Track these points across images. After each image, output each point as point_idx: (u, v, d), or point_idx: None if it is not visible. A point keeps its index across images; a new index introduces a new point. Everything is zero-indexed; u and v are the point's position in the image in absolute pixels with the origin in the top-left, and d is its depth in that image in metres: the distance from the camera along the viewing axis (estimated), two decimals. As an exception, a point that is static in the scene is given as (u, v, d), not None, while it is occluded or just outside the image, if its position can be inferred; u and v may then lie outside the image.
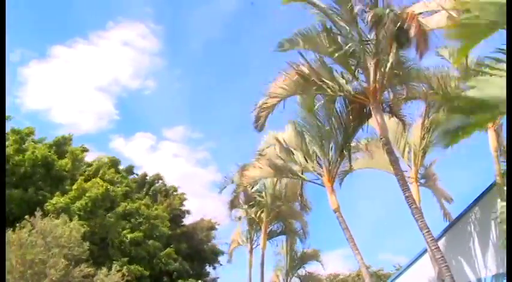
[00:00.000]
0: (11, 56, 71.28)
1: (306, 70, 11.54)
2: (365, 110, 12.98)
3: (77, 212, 27.71)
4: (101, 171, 32.25)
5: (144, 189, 39.33)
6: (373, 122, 12.11)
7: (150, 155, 67.60)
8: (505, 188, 9.17)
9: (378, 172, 15.46)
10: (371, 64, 11.06)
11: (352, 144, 14.33)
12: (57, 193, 28.48)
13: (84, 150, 33.95)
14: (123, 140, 78.03)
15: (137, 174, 40.31)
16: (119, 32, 71.27)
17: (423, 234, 10.74)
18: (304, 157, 14.07)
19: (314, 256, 28.34)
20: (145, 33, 72.96)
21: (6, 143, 30.06)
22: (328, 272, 37.13)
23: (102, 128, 72.13)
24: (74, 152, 31.51)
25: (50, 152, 29.88)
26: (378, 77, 11.15)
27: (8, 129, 31.89)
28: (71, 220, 24.06)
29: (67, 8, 70.85)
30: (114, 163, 35.52)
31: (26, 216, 22.85)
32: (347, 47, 11.00)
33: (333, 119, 13.19)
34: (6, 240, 20.93)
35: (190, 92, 78.88)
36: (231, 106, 77.31)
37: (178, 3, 72.08)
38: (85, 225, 26.22)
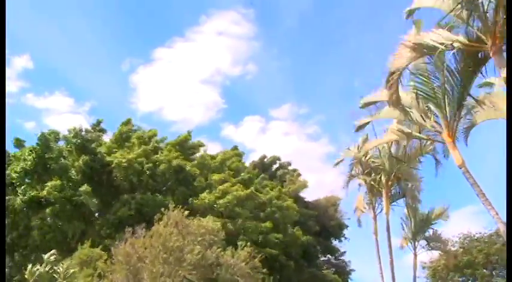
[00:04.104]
0: (121, 67, 76.83)
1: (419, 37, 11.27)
2: (480, 56, 12.27)
3: (220, 210, 29.77)
4: (228, 163, 34.38)
5: (266, 174, 40.69)
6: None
7: (260, 137, 69.35)
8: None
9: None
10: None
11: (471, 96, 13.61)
12: (207, 191, 30.85)
13: (200, 145, 36.34)
14: (233, 126, 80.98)
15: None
16: (212, 24, 73.53)
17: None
18: (421, 116, 13.68)
19: (440, 216, 27.42)
20: (237, 19, 74.53)
21: (134, 148, 33.38)
22: (458, 230, 35.67)
23: (212, 118, 75.40)
24: (204, 157, 33.90)
25: (177, 152, 32.51)
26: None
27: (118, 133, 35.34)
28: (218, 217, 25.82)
29: (161, 11, 74.44)
30: (236, 154, 37.55)
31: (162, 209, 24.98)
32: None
33: (446, 72, 12.64)
34: (147, 232, 23.14)
35: (291, 69, 79.25)
36: (333, 76, 76.45)
37: (263, -17, 72.29)
38: (227, 224, 28.09)
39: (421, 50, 11.41)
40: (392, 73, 11.55)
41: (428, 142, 17.37)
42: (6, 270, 33.25)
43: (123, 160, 31.82)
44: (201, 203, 29.84)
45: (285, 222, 34.32)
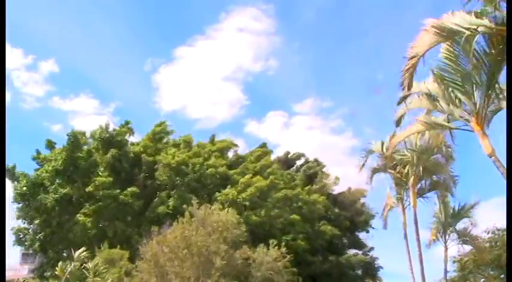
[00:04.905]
0: (144, 67, 77.79)
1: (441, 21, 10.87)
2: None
3: (243, 203, 29.93)
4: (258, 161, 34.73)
5: (291, 170, 40.67)
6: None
7: (284, 132, 69.20)
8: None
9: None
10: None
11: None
12: (228, 186, 31.24)
13: (232, 145, 36.85)
14: (256, 122, 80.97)
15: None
16: (232, 20, 73.67)
17: None
18: (448, 104, 13.29)
19: (470, 208, 26.77)
20: (257, 15, 74.41)
21: (169, 149, 34.20)
22: (484, 223, 34.67)
23: (235, 115, 75.64)
24: (246, 166, 35.32)
25: (219, 157, 33.65)
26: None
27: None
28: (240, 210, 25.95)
29: (180, 10, 74.97)
30: (265, 152, 37.80)
31: (184, 206, 25.18)
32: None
33: (473, 59, 12.21)
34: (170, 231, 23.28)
35: (313, 63, 78.81)
36: (355, 68, 75.68)
37: (282, -22, 71.96)
38: (251, 215, 28.16)
39: (443, 34, 11.01)
40: (411, 58, 11.21)
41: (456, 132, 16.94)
42: (39, 266, 34.12)
43: (173, 160, 32.33)
44: (224, 198, 29.98)
45: (313, 217, 34.22)
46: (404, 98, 14.80)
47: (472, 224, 26.63)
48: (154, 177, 33.92)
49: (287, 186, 34.57)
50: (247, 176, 31.68)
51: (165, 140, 36.77)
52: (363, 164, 22.73)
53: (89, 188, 31.22)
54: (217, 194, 30.80)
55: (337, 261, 34.39)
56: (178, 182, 32.84)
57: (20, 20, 69.54)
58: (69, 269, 23.68)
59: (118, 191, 31.34)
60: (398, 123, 17.83)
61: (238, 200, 30.31)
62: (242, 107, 78.37)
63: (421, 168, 22.02)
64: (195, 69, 73.73)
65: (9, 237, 33.44)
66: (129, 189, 31.69)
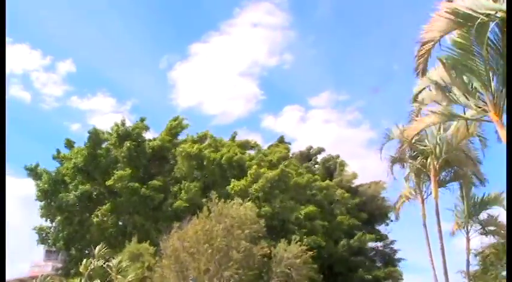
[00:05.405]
0: (159, 64, 78.26)
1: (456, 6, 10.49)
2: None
3: (255, 194, 29.85)
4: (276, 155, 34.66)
5: (310, 164, 40.50)
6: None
7: (301, 126, 68.87)
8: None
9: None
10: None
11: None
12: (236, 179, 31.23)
13: (255, 145, 36.99)
14: (273, 117, 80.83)
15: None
16: (246, 16, 73.43)
17: None
18: (464, 95, 12.89)
19: (495, 200, 26.10)
20: (271, 9, 74.00)
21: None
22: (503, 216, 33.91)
23: (252, 110, 75.60)
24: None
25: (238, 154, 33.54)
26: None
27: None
28: (249, 202, 25.91)
29: (194, 6, 74.99)
30: (285, 148, 37.74)
31: (203, 200, 25.24)
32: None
33: (488, 47, 11.77)
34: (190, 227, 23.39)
35: (328, 56, 78.10)
36: (371, 61, 74.72)
37: (295, -29, 71.25)
38: (264, 206, 28.04)
39: (457, 20, 10.63)
40: (425, 43, 10.85)
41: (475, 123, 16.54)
42: (64, 264, 34.72)
43: (191, 149, 32.53)
44: (236, 190, 29.94)
45: (329, 201, 34.00)
46: (417, 95, 14.49)
47: (490, 215, 26.01)
48: (172, 170, 34.06)
49: (303, 176, 34.46)
50: (254, 167, 31.42)
51: (181, 136, 36.84)
52: (382, 148, 22.08)
53: (109, 182, 31.55)
54: (228, 187, 30.69)
55: (357, 253, 34.09)
56: (195, 174, 32.84)
57: (38, 21, 70.76)
58: (92, 266, 24.03)
59: (137, 184, 31.61)
60: (417, 115, 17.47)
61: (250, 191, 30.15)
62: (258, 102, 78.36)
63: (443, 159, 21.51)
64: (210, 66, 73.98)
65: (33, 236, 34.27)
66: (150, 182, 31.91)
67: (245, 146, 36.99)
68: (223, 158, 32.71)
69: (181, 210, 30.25)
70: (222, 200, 24.52)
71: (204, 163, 32.75)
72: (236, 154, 33.24)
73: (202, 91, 77.18)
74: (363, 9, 72.87)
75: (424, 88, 15.15)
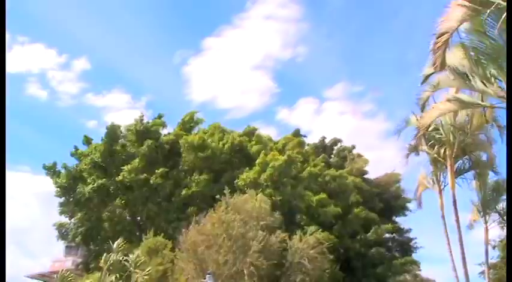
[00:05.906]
0: (173, 59, 78.49)
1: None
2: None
3: (264, 183, 29.76)
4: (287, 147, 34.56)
5: (324, 154, 40.27)
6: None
7: (316, 118, 68.58)
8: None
9: None
10: None
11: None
12: (246, 169, 31.18)
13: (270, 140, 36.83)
14: (287, 110, 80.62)
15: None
16: (259, 8, 73.11)
17: None
18: (482, 81, 12.71)
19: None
20: (284, 2, 73.57)
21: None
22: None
23: (266, 103, 75.51)
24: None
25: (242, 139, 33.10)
26: None
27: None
28: (260, 193, 25.94)
29: (207, 1, 74.85)
30: (299, 141, 37.59)
31: (217, 196, 25.37)
32: None
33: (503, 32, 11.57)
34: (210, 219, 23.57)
35: (342, 47, 77.46)
36: (386, 51, 73.97)
37: (308, -36, 70.60)
38: (274, 196, 27.98)
39: (474, 7, 10.47)
40: (442, 34, 10.70)
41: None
42: (83, 259, 35.21)
43: (195, 139, 32.73)
44: (244, 183, 29.90)
45: (342, 190, 33.78)
46: (427, 77, 14.20)
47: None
48: (182, 162, 34.18)
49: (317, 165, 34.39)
50: (261, 156, 31.34)
51: (196, 130, 36.83)
52: (399, 134, 21.70)
53: (120, 177, 31.92)
54: (237, 180, 30.65)
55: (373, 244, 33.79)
56: (203, 165, 32.83)
57: (53, 21, 71.36)
58: (111, 261, 24.26)
59: (146, 174, 31.83)
60: (423, 108, 17.25)
61: (259, 181, 30.07)
62: (272, 95, 78.23)
63: (459, 147, 21.26)
64: (224, 60, 73.85)
65: (53, 232, 34.85)
66: (157, 170, 32.06)
67: (252, 133, 36.67)
68: (225, 147, 32.70)
69: (192, 200, 30.41)
70: (235, 193, 24.70)
71: (208, 152, 32.63)
72: (236, 140, 33.16)
73: (216, 85, 77.33)
74: (376, 0, 71.93)
75: (433, 73, 14.85)
